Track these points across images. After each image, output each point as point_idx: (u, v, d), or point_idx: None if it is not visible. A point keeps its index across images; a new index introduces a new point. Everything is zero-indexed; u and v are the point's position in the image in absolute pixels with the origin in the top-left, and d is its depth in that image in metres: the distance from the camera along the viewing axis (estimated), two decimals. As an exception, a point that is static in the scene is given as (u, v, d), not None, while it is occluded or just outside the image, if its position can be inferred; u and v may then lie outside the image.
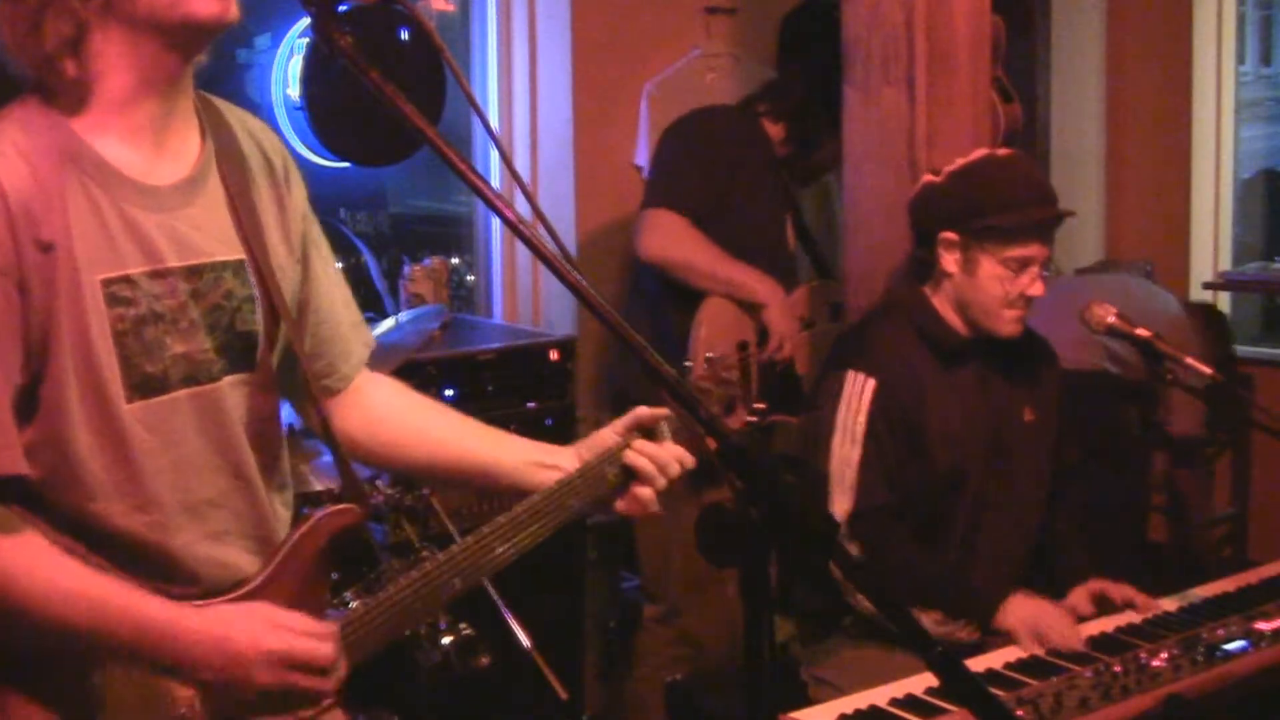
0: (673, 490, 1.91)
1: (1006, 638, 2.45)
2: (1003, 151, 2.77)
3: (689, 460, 1.91)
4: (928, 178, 2.77)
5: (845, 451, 2.59)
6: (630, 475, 1.89)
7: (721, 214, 3.51)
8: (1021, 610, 2.46)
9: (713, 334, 3.43)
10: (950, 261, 2.67)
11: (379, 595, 1.73)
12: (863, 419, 2.60)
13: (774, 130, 3.69)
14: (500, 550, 1.79)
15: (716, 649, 3.76)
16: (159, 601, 1.57)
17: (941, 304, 2.72)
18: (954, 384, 2.69)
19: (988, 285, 2.63)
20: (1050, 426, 2.80)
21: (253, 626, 1.59)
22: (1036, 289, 2.63)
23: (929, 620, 2.57)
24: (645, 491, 1.89)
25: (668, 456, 1.89)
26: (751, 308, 3.50)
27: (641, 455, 1.89)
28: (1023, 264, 2.62)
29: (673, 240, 3.42)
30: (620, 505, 1.91)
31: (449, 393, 3.55)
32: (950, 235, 2.66)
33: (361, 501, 1.76)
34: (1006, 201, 2.62)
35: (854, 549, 2.56)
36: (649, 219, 3.46)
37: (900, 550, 2.61)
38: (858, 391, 2.62)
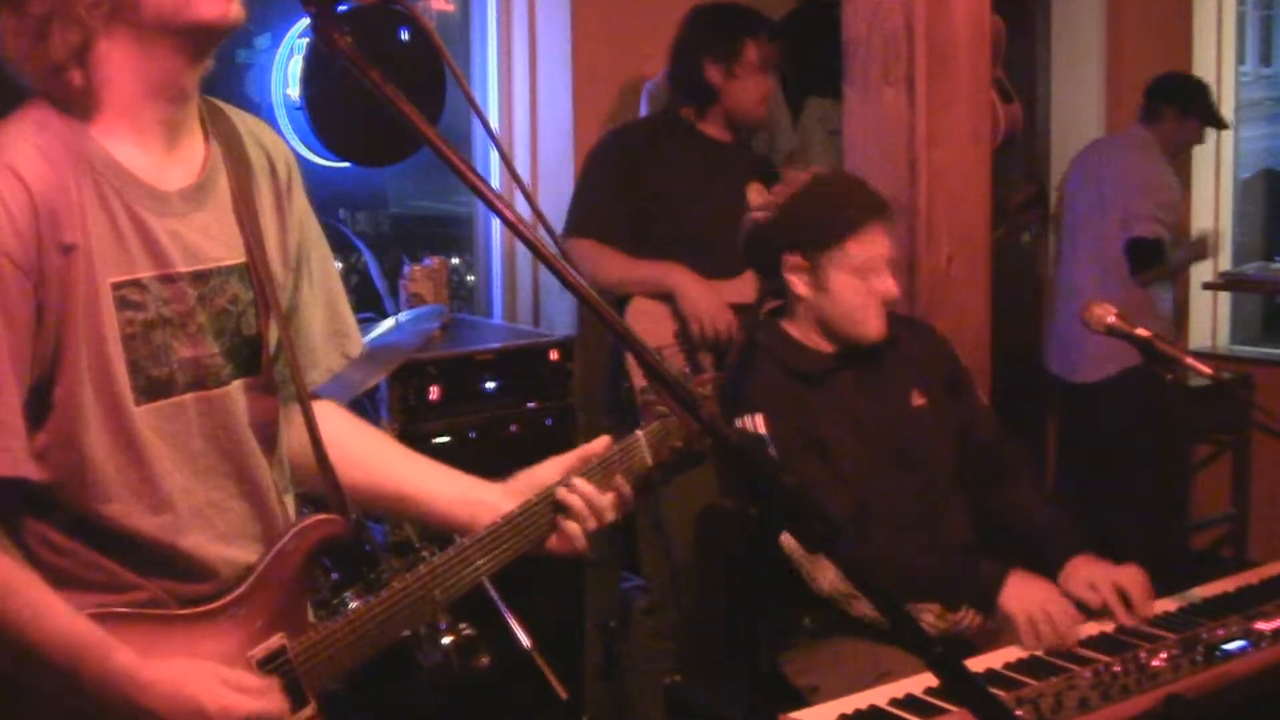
0: (600, 536, 1.87)
1: (1010, 631, 2.43)
2: (819, 169, 2.90)
3: (628, 502, 1.88)
4: (755, 215, 2.83)
5: None
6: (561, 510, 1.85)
7: (660, 218, 3.63)
8: (1023, 594, 2.44)
9: (641, 330, 3.45)
10: (800, 285, 2.72)
11: (357, 609, 1.72)
12: (772, 450, 2.60)
13: (712, 128, 3.75)
14: (481, 563, 1.78)
15: (700, 644, 3.75)
16: (125, 651, 1.55)
17: (800, 330, 2.76)
18: (832, 399, 2.71)
19: (841, 295, 2.68)
20: (944, 405, 2.81)
21: (207, 684, 1.57)
22: (889, 286, 2.69)
23: (929, 615, 2.56)
24: (574, 527, 1.84)
25: (604, 502, 1.85)
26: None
27: (574, 494, 1.84)
28: (869, 265, 2.68)
29: (582, 263, 3.53)
30: (550, 542, 1.86)
31: (456, 390, 3.56)
32: (793, 259, 2.72)
33: (345, 512, 1.75)
34: (837, 212, 2.71)
35: (830, 569, 2.55)
36: (565, 249, 3.56)
37: (880, 554, 2.59)
38: (752, 431, 2.63)
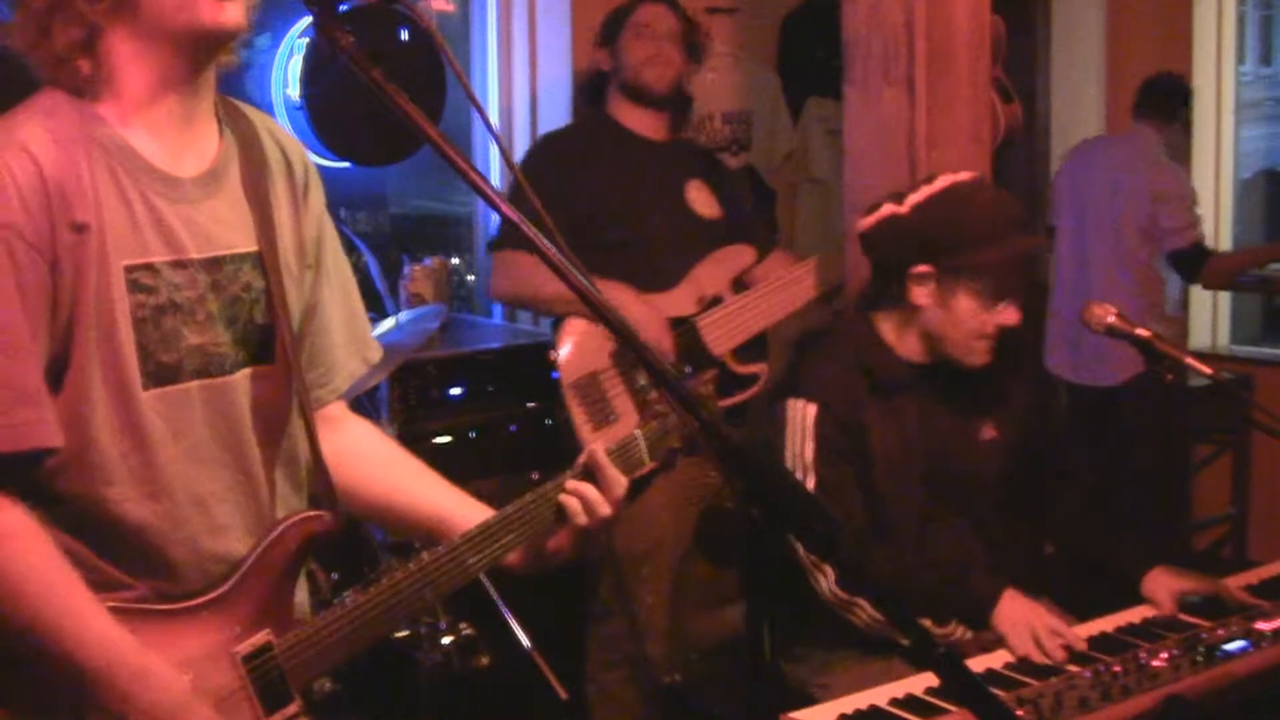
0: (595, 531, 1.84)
1: (999, 640, 2.43)
2: (966, 177, 2.67)
3: (623, 500, 1.85)
4: (889, 208, 2.65)
5: (800, 480, 2.53)
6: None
7: (592, 223, 3.42)
8: (1014, 613, 2.43)
9: (577, 354, 3.38)
10: (922, 295, 2.59)
11: (346, 604, 1.71)
12: (811, 445, 2.54)
13: (641, 122, 3.59)
14: (472, 561, 1.77)
15: (700, 644, 3.73)
16: (132, 640, 1.57)
17: (892, 332, 2.65)
18: (892, 412, 2.62)
19: (964, 319, 2.57)
20: (1015, 440, 2.72)
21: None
22: (1011, 317, 2.58)
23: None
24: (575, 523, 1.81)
25: (599, 499, 1.81)
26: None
27: (571, 496, 1.81)
28: (1001, 294, 2.57)
29: (515, 276, 3.44)
30: (547, 544, 1.84)
31: (455, 390, 3.55)
32: (924, 269, 2.58)
33: (334, 509, 1.75)
34: (986, 234, 2.56)
35: (831, 573, 2.52)
36: (494, 261, 3.54)
37: (881, 561, 2.56)
38: (800, 418, 2.56)
